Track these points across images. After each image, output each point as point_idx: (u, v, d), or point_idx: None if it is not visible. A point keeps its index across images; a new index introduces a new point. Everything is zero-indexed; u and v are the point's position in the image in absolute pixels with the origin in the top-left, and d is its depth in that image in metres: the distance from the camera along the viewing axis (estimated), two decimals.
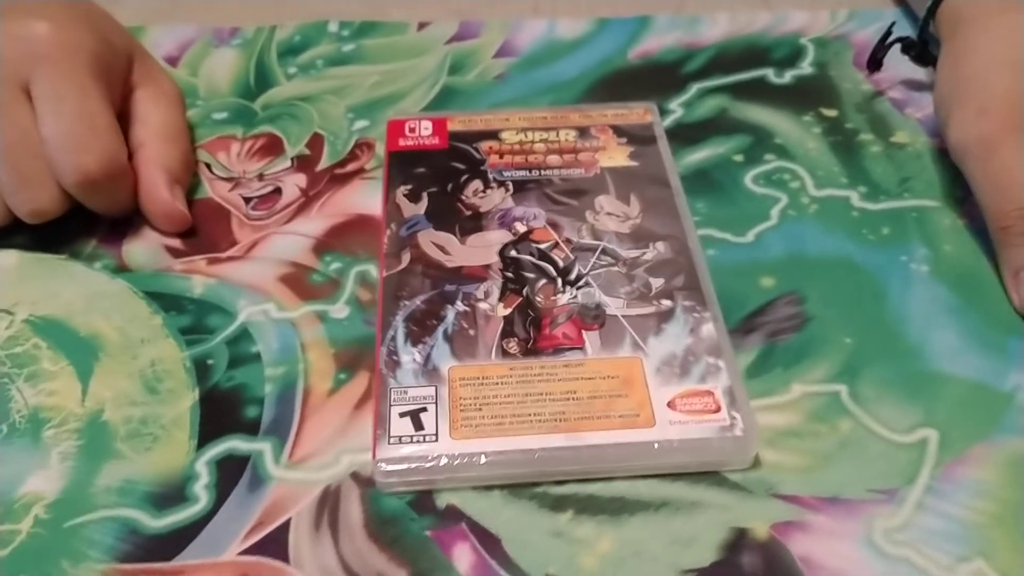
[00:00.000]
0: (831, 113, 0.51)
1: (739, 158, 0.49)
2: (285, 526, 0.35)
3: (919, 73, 0.53)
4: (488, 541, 0.34)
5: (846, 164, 0.48)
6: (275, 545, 0.34)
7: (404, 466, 0.35)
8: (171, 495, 0.36)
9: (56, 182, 0.42)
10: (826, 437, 0.37)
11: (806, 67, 0.54)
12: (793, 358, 0.40)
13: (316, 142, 0.50)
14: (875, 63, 0.52)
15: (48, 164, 0.42)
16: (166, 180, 0.45)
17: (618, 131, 0.49)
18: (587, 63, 0.55)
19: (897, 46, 0.51)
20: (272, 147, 0.50)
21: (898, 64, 0.52)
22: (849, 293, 0.42)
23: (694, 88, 0.53)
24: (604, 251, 0.43)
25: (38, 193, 0.42)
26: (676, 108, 0.52)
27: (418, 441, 0.36)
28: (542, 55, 0.55)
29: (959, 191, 0.46)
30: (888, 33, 0.51)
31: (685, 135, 0.50)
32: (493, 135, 0.48)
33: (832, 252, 0.44)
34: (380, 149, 0.49)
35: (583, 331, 0.40)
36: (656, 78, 0.54)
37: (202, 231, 0.46)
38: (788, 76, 0.54)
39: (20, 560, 0.34)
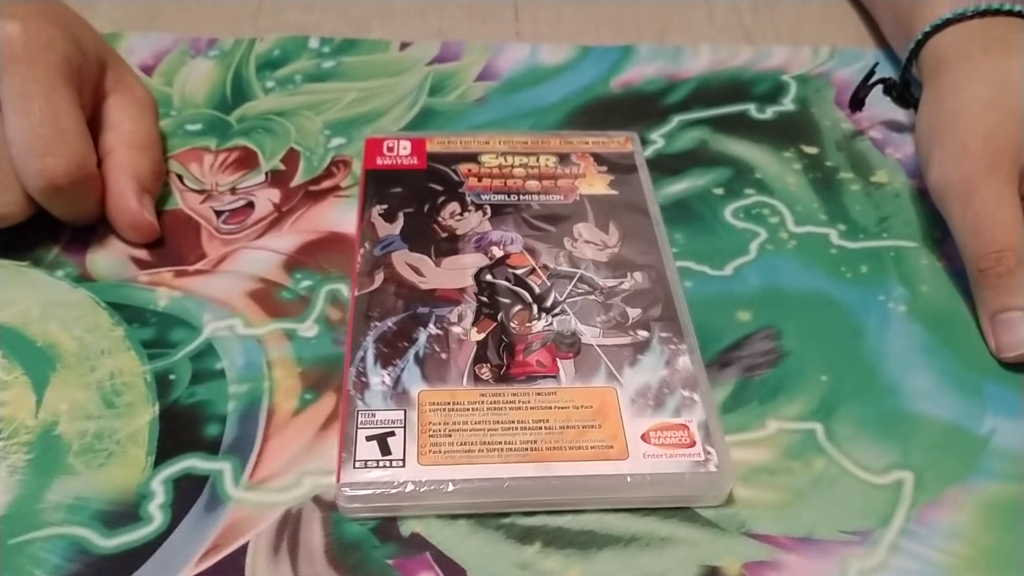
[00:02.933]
0: (812, 150, 0.51)
1: (719, 191, 0.48)
2: (243, 549, 0.34)
3: (899, 114, 0.53)
4: (453, 571, 0.33)
5: (826, 201, 0.48)
6: (231, 569, 0.33)
7: (369, 491, 0.34)
8: (124, 514, 0.34)
9: (21, 186, 0.41)
10: (800, 475, 0.37)
11: (787, 103, 0.54)
12: (769, 393, 0.39)
13: (291, 157, 0.49)
14: (857, 103, 0.52)
15: (13, 168, 0.41)
16: (135, 189, 0.44)
17: (598, 159, 0.48)
18: (568, 90, 0.54)
19: (879, 87, 0.51)
20: (246, 161, 0.49)
21: (879, 104, 0.52)
22: (826, 330, 0.42)
23: (675, 120, 0.53)
24: (581, 279, 0.42)
25: (2, 197, 0.41)
26: (657, 139, 0.51)
27: (384, 466, 0.35)
28: (523, 80, 0.55)
29: (937, 232, 0.46)
30: (871, 73, 0.51)
31: (665, 166, 0.50)
32: (472, 157, 0.48)
33: (810, 288, 0.44)
34: (357, 167, 0.49)
35: (557, 359, 0.39)
36: (638, 108, 0.53)
37: (170, 243, 0.45)
38: (770, 112, 0.53)
39: None
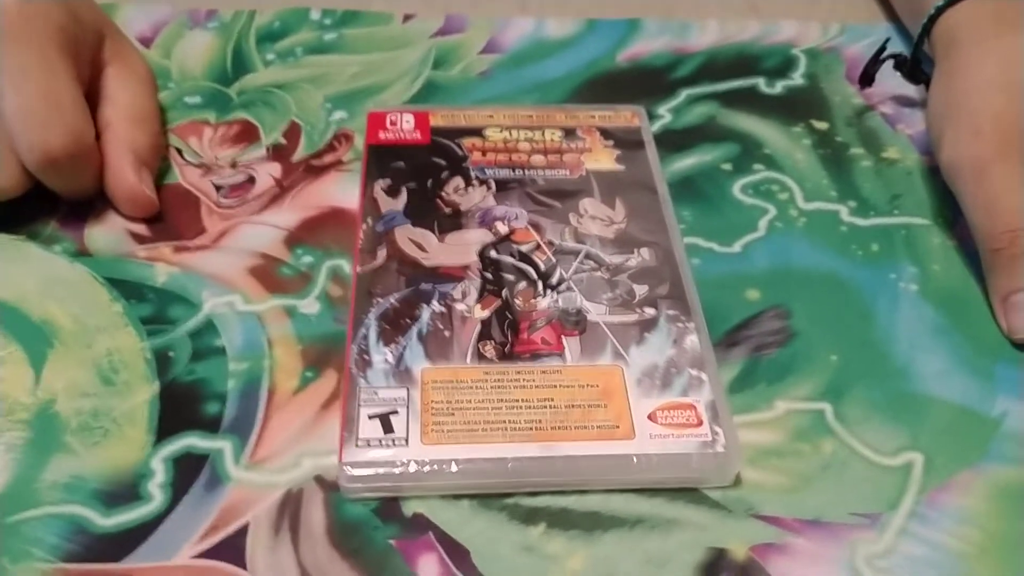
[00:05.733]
0: (821, 126, 0.50)
1: (727, 167, 0.48)
2: (243, 530, 0.33)
3: (911, 90, 0.52)
4: (456, 553, 0.33)
5: (836, 178, 0.47)
6: (231, 549, 0.33)
7: (371, 471, 0.34)
8: (122, 493, 0.34)
9: (18, 160, 0.40)
10: (809, 457, 0.36)
11: (797, 78, 0.53)
12: (777, 374, 0.39)
13: (293, 132, 0.48)
14: (867, 78, 0.51)
15: (9, 142, 0.40)
16: (133, 162, 0.43)
17: (605, 133, 0.47)
18: (574, 64, 0.54)
19: (889, 62, 0.50)
20: (246, 134, 0.48)
21: (889, 79, 0.51)
22: (836, 309, 0.41)
23: (683, 94, 0.52)
24: (587, 255, 0.41)
25: None
26: (664, 113, 0.50)
27: (387, 445, 0.34)
28: (528, 54, 0.54)
29: (949, 211, 0.45)
30: (882, 49, 0.50)
31: (673, 141, 0.49)
32: (476, 132, 0.47)
33: (820, 267, 0.43)
34: (359, 141, 0.48)
35: (563, 337, 0.38)
36: (644, 82, 0.52)
37: (169, 217, 0.44)
38: (779, 86, 0.53)
39: None
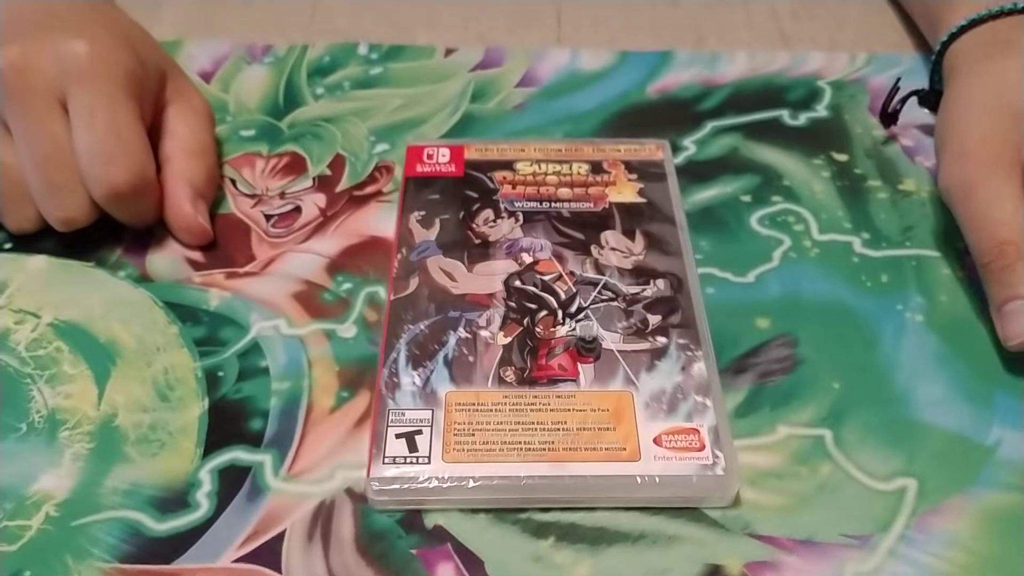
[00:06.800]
0: (841, 157, 0.52)
1: (747, 198, 0.50)
2: (280, 536, 0.37)
3: (932, 119, 0.54)
4: (471, 562, 0.36)
5: (851, 209, 0.49)
6: (269, 554, 0.36)
7: (396, 486, 0.37)
8: (174, 500, 0.38)
9: (86, 192, 0.45)
10: (806, 479, 0.38)
11: (821, 110, 0.55)
12: (781, 399, 0.41)
13: (338, 163, 0.52)
14: (888, 118, 0.52)
15: (80, 175, 0.44)
16: (190, 194, 0.47)
17: (629, 166, 0.50)
18: (605, 96, 0.56)
19: (914, 99, 0.52)
20: (295, 166, 0.52)
21: (912, 109, 0.53)
22: (842, 338, 0.43)
23: (709, 126, 0.54)
24: (606, 286, 0.44)
25: (69, 202, 0.44)
26: (689, 145, 0.53)
27: (411, 462, 0.38)
28: (562, 86, 0.57)
29: (960, 242, 0.46)
30: (895, 89, 0.52)
31: (696, 172, 0.51)
32: (508, 165, 0.50)
33: (829, 297, 0.45)
34: (398, 172, 0.51)
35: (578, 363, 0.41)
36: (672, 114, 0.55)
37: (223, 245, 0.48)
38: (803, 118, 0.55)
39: (28, 555, 0.36)
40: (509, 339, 0.42)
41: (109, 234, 0.47)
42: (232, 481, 0.38)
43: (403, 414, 0.39)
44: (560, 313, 0.43)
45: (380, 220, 0.49)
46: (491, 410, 0.39)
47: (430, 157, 0.51)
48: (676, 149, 0.52)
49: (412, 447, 0.38)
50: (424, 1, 0.64)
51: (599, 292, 0.44)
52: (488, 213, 0.48)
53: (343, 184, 0.51)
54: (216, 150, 0.51)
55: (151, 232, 0.48)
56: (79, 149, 0.44)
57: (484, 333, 0.42)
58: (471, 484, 0.37)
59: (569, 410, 0.39)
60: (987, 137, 0.43)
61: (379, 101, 0.56)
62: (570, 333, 0.42)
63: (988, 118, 0.44)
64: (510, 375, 0.41)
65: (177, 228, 0.47)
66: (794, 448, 0.39)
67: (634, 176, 0.50)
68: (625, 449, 0.38)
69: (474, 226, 0.47)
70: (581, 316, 0.43)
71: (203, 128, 0.50)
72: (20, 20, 0.45)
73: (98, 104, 0.44)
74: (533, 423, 0.39)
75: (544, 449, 0.38)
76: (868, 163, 0.52)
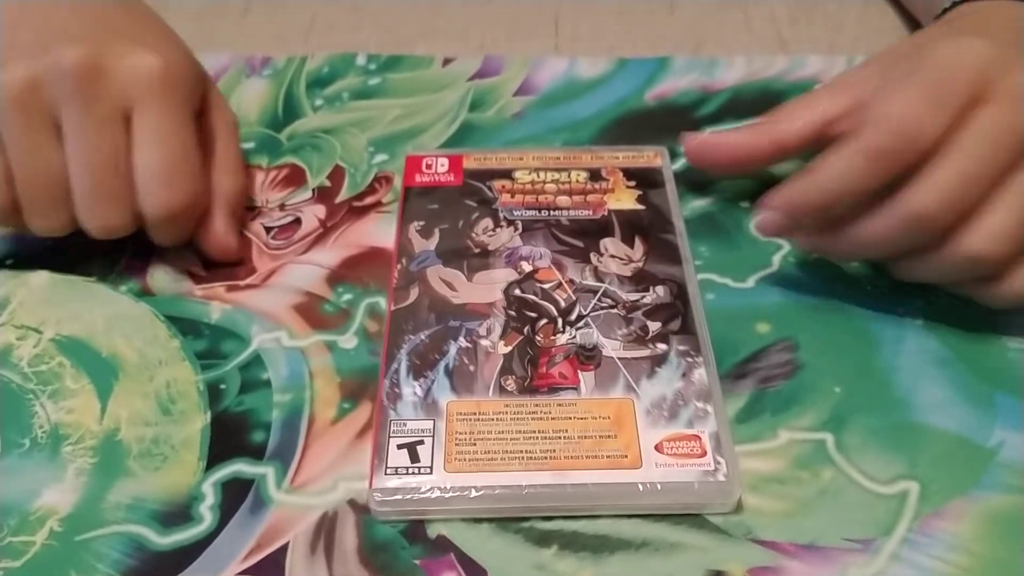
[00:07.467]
0: None
1: (746, 204, 0.50)
2: (283, 549, 0.37)
3: None
4: (474, 572, 0.36)
5: None
6: (273, 567, 0.36)
7: (398, 496, 0.37)
8: (177, 514, 0.38)
9: (131, 205, 0.44)
10: (808, 484, 0.38)
11: None
12: (782, 404, 0.41)
13: (337, 174, 0.52)
14: None
15: (133, 190, 0.43)
16: (223, 213, 0.47)
17: (627, 173, 0.50)
18: (603, 103, 0.56)
19: None
20: (295, 178, 0.52)
21: None
22: (842, 342, 0.43)
23: (707, 132, 0.54)
24: (605, 293, 0.44)
25: (113, 212, 0.43)
26: None
27: (413, 473, 0.38)
28: (560, 94, 0.57)
29: None
30: None
31: (694, 179, 0.51)
32: (506, 174, 0.50)
33: (829, 301, 0.45)
34: (398, 183, 0.51)
35: (579, 371, 0.41)
36: (670, 120, 0.55)
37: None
38: None
39: (32, 571, 0.36)
40: (509, 348, 0.42)
41: (110, 248, 0.48)
42: (235, 494, 0.38)
43: (405, 424, 0.39)
44: (560, 321, 0.43)
45: (380, 230, 0.49)
46: (492, 419, 0.39)
47: (429, 167, 0.51)
48: (674, 155, 0.52)
49: (414, 457, 0.38)
50: (422, 11, 0.64)
51: (599, 299, 0.44)
52: (487, 222, 0.48)
53: (343, 195, 0.51)
54: (244, 163, 0.51)
55: (152, 246, 0.48)
56: (140, 165, 0.43)
57: (484, 342, 0.42)
58: (473, 494, 0.37)
59: (570, 418, 0.39)
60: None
61: (378, 111, 0.56)
62: (570, 341, 0.42)
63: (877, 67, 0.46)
64: (511, 384, 0.41)
65: (208, 246, 0.47)
66: (796, 453, 0.39)
67: (633, 183, 0.50)
68: (627, 456, 0.38)
69: (473, 235, 0.47)
70: (581, 324, 0.43)
71: (234, 142, 0.50)
72: (86, 19, 0.45)
73: (167, 126, 0.44)
74: (534, 432, 0.39)
75: (546, 458, 0.38)
76: None
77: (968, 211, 0.39)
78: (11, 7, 0.45)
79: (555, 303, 0.44)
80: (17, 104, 0.42)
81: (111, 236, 0.44)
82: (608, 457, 0.38)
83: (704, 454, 0.38)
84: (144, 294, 0.46)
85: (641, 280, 0.45)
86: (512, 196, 0.49)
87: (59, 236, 0.45)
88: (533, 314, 0.43)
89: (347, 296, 0.46)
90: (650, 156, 0.51)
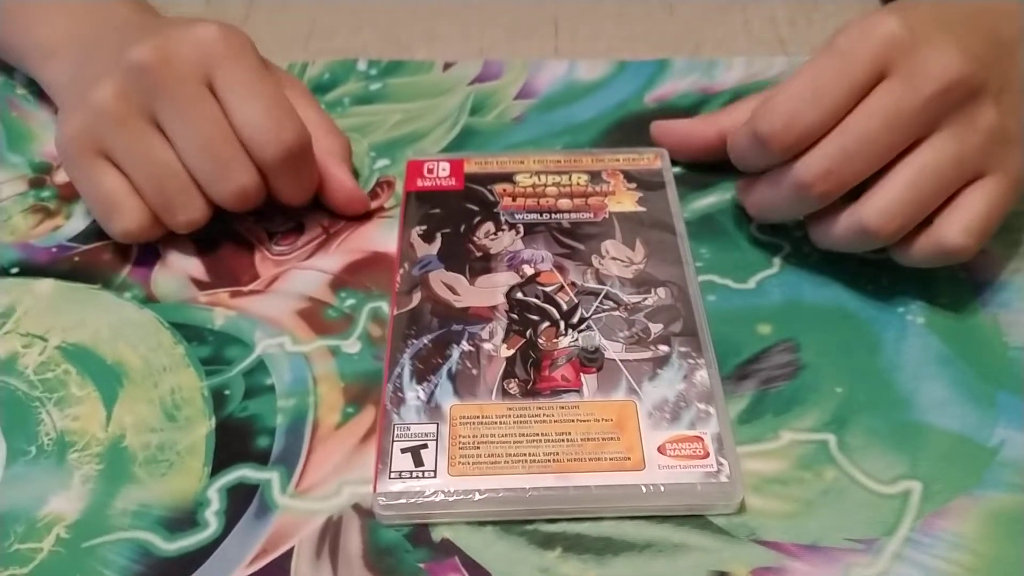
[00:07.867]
0: None
1: None
2: (288, 554, 0.37)
3: None
4: (479, 575, 0.36)
5: None
6: (278, 572, 0.36)
7: (402, 500, 0.37)
8: (183, 520, 0.38)
9: (253, 165, 0.45)
10: (810, 485, 0.39)
11: None
12: (784, 405, 0.41)
13: None
14: None
15: (246, 147, 0.44)
16: (341, 168, 0.49)
17: (628, 176, 0.50)
18: (603, 106, 0.57)
19: None
20: None
21: None
22: (844, 343, 0.43)
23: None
24: (607, 295, 0.44)
25: (239, 175, 0.44)
26: None
27: (417, 476, 0.38)
28: (560, 97, 0.57)
29: None
30: None
31: (695, 180, 0.51)
32: (507, 177, 0.50)
33: (830, 301, 0.45)
34: (399, 187, 0.52)
35: (581, 374, 0.41)
36: None
37: (226, 264, 0.48)
38: None
39: None
40: (512, 351, 0.42)
41: (115, 256, 0.48)
42: (240, 499, 0.39)
43: (408, 428, 0.39)
44: (562, 324, 0.43)
45: (382, 235, 0.49)
46: (495, 423, 0.39)
47: (430, 171, 0.51)
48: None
49: (418, 461, 0.38)
50: (422, 16, 0.64)
51: (600, 302, 0.44)
52: (489, 226, 0.48)
53: None
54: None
55: (155, 253, 0.48)
56: (242, 122, 0.44)
57: (487, 346, 0.42)
58: (477, 497, 0.37)
59: (573, 421, 0.39)
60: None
61: (379, 117, 0.56)
62: (572, 344, 0.42)
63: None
64: (514, 387, 0.41)
65: (339, 203, 0.49)
66: (798, 454, 0.40)
67: (633, 185, 0.50)
68: (629, 459, 0.38)
69: (475, 239, 0.47)
70: (583, 327, 0.43)
71: (318, 107, 0.52)
72: (134, 26, 0.47)
73: (249, 78, 0.45)
74: (537, 435, 0.39)
75: (549, 460, 0.38)
76: None
77: (851, 182, 0.41)
78: (73, 52, 0.49)
79: (557, 306, 0.44)
80: (118, 119, 0.44)
81: (248, 202, 0.46)
82: (611, 459, 0.38)
83: (707, 455, 0.38)
84: (148, 301, 0.46)
85: (642, 282, 0.45)
86: (513, 199, 0.49)
87: (202, 227, 0.47)
88: (535, 317, 0.44)
89: (350, 301, 0.46)
90: (651, 158, 0.51)
